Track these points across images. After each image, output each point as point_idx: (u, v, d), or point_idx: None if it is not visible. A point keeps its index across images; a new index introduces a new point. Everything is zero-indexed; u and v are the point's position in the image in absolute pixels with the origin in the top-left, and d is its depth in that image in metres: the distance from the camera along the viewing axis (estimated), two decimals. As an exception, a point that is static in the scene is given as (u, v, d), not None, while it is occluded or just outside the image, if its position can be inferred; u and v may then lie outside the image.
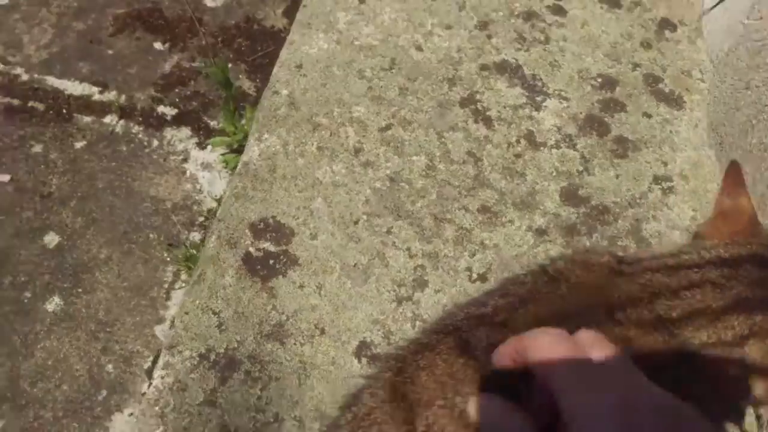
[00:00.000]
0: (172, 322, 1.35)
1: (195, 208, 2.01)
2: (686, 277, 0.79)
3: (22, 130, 2.19)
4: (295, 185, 1.53)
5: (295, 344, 1.31)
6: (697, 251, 0.82)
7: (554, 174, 1.60)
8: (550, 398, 0.50)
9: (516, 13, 1.93)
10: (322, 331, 1.33)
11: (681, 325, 0.74)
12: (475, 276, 1.43)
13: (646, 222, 1.54)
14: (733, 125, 1.76)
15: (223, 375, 1.27)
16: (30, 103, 2.23)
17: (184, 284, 1.82)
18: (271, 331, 1.32)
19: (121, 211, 2.03)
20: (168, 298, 1.85)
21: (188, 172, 2.10)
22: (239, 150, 1.95)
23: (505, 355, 0.56)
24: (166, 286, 1.88)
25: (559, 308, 0.59)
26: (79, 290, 1.89)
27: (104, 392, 1.73)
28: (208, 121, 2.23)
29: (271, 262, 1.41)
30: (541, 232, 1.51)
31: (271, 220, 1.47)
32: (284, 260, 1.42)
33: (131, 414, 1.70)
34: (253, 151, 1.58)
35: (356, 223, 1.49)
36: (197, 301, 1.35)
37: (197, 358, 1.28)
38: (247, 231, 1.45)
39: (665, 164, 1.63)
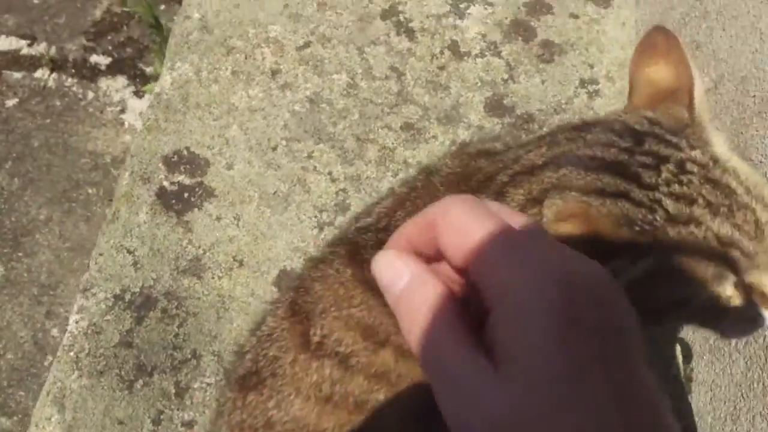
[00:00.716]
0: (87, 266, 1.32)
1: None
2: (532, 143, 0.77)
3: None
4: (210, 113, 1.47)
5: (212, 278, 1.29)
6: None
7: (479, 84, 1.55)
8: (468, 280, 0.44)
9: None
10: (241, 263, 1.30)
11: (508, 186, 0.74)
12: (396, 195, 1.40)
13: (572, 128, 1.50)
14: (668, 24, 1.70)
15: (139, 315, 1.24)
16: None
17: None
18: (188, 267, 1.29)
19: (59, 169, 1.97)
20: None
21: (126, 123, 2.04)
22: None
23: (402, 240, 0.46)
24: None
25: (434, 199, 0.56)
26: (20, 254, 1.85)
27: (50, 357, 1.71)
28: (144, 68, 2.15)
29: (186, 195, 1.37)
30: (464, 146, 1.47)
31: (185, 152, 1.42)
32: (200, 192, 1.38)
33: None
34: (165, 80, 1.51)
35: (275, 149, 1.44)
36: (111, 241, 1.31)
37: (112, 299, 1.25)
38: (160, 165, 1.40)
39: (591, 67, 1.58)
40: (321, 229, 1.35)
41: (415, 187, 0.87)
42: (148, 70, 2.11)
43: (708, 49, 1.56)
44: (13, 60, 2.12)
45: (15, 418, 1.65)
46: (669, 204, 0.69)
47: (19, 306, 1.77)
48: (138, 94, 2.06)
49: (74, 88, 2.09)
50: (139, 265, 1.29)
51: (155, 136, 1.44)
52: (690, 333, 1.31)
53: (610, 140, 0.74)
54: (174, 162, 1.40)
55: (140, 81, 2.08)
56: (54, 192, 1.91)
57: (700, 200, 0.69)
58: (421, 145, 1.46)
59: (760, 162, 1.34)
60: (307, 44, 1.59)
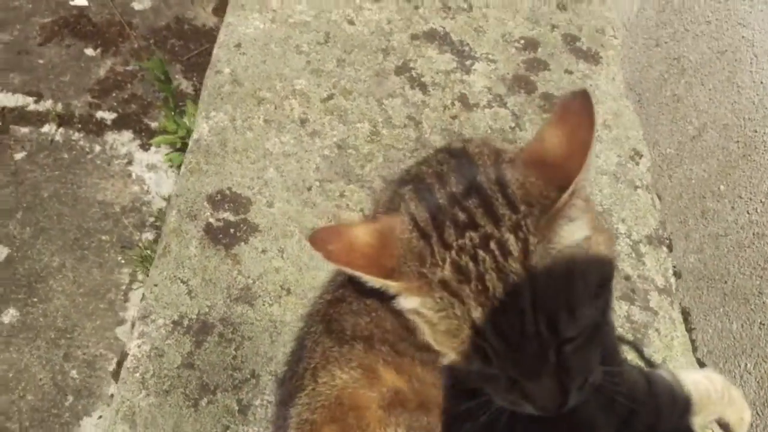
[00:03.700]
0: (143, 295, 1.39)
1: (144, 209, 2.02)
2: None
3: None
4: (247, 157, 1.59)
5: (263, 305, 1.38)
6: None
7: (489, 132, 1.71)
8: None
9: (439, -16, 2.03)
10: (288, 291, 1.40)
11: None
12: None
13: (576, 170, 1.66)
14: (648, 81, 1.90)
15: (198, 338, 1.32)
16: None
17: (141, 284, 1.84)
18: (240, 295, 1.38)
19: (69, 219, 2.02)
20: (126, 300, 1.86)
21: (134, 174, 2.10)
22: (183, 148, 1.97)
23: None
24: (123, 287, 1.88)
25: None
26: (35, 300, 1.88)
27: (70, 398, 1.74)
28: (149, 123, 2.23)
29: (232, 230, 1.47)
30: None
31: (227, 192, 1.53)
32: (244, 228, 1.48)
33: (100, 417, 1.72)
34: (202, 128, 1.63)
35: (309, 189, 1.56)
36: (165, 273, 1.40)
37: (171, 325, 1.33)
38: (205, 203, 1.50)
39: (590, 116, 1.75)
40: (358, 260, 1.46)
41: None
42: (153, 124, 2.20)
43: (689, 102, 1.75)
44: (20, 116, 2.19)
45: None
46: (447, 271, 0.72)
47: (36, 349, 1.80)
48: (144, 147, 2.15)
49: (81, 142, 2.16)
50: (193, 294, 1.38)
51: (198, 177, 1.54)
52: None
53: (447, 178, 0.78)
54: (218, 201, 1.51)
55: (145, 135, 2.17)
56: (65, 240, 1.96)
57: (474, 285, 0.71)
58: (443, 185, 1.59)
59: (750, 199, 1.51)
60: (330, 96, 1.73)
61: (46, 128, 2.20)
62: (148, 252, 1.81)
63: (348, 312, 0.93)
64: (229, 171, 1.56)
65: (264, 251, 1.45)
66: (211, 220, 1.48)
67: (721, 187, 1.60)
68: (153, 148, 2.12)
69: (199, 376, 1.28)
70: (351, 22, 1.89)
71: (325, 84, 1.75)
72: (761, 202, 1.48)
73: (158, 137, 2.02)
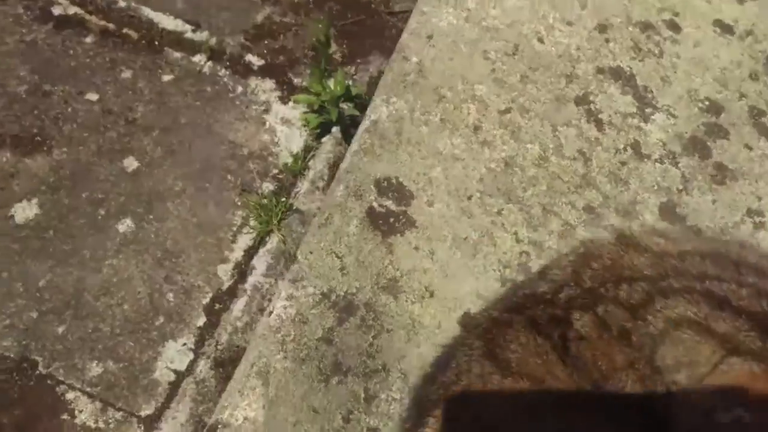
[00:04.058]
0: (294, 256, 1.44)
1: (270, 159, 2.06)
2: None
3: (114, 53, 2.22)
4: (418, 151, 1.61)
5: (406, 301, 1.41)
6: None
7: (655, 188, 1.69)
8: None
9: (634, 21, 2.00)
10: (432, 294, 1.43)
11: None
12: (574, 270, 1.53)
13: (734, 249, 1.63)
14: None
15: (341, 316, 1.37)
16: (124, 30, 2.26)
17: (251, 230, 1.89)
18: (387, 285, 1.42)
19: (199, 149, 2.08)
20: (234, 241, 1.92)
21: (268, 123, 2.15)
22: (320, 111, 2.00)
23: None
24: (234, 229, 1.94)
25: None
26: (151, 217, 1.95)
27: (162, 318, 1.81)
28: (293, 78, 2.26)
29: (392, 220, 1.50)
30: (637, 240, 1.60)
31: (394, 180, 1.56)
32: (403, 220, 1.51)
33: (184, 344, 1.78)
34: (381, 111, 1.65)
35: (470, 198, 1.57)
36: (322, 243, 1.44)
37: (319, 296, 1.38)
38: (372, 186, 1.54)
39: (759, 199, 1.72)
40: (503, 284, 1.47)
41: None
42: (296, 80, 2.24)
43: None
44: (176, 41, 2.27)
45: (121, 364, 1.75)
46: None
47: (142, 263, 1.88)
48: (282, 99, 2.19)
49: (226, 80, 2.22)
50: (345, 271, 1.42)
51: (370, 159, 1.57)
52: None
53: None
54: (384, 187, 1.54)
55: (287, 88, 2.21)
56: (191, 168, 2.03)
57: None
58: (599, 231, 1.59)
59: None
60: (507, 110, 1.73)
61: (196, 58, 2.26)
62: (265, 201, 1.86)
63: (515, 341, 0.95)
64: (399, 160, 1.59)
65: (417, 248, 1.48)
66: (374, 204, 1.52)
67: None
68: (291, 104, 2.16)
69: (334, 353, 1.33)
70: (540, 40, 1.89)
71: (504, 96, 1.75)
72: None
73: (301, 95, 2.05)
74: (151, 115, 2.11)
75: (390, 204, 1.52)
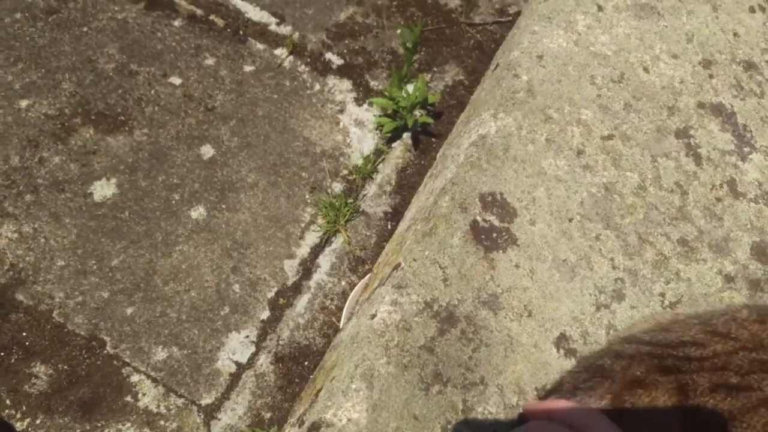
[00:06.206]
0: (399, 265, 1.48)
1: (342, 159, 2.10)
2: None
3: (199, 39, 2.28)
4: (524, 169, 1.64)
5: (505, 318, 1.45)
6: None
7: (749, 227, 1.71)
8: None
9: (738, 59, 2.00)
10: (530, 314, 1.47)
11: None
12: (666, 303, 1.56)
13: (824, 298, 1.65)
14: None
15: (442, 327, 1.41)
16: (211, 16, 2.31)
17: (318, 228, 1.93)
18: (487, 300, 1.46)
19: (274, 143, 2.13)
20: (302, 237, 1.96)
21: (342, 123, 2.19)
22: (393, 115, 2.02)
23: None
24: (302, 225, 1.98)
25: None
26: (223, 206, 2.00)
27: (227, 309, 1.86)
28: (369, 80, 2.30)
29: (494, 235, 1.54)
30: (729, 279, 1.62)
31: (498, 196, 1.59)
32: (506, 237, 1.54)
33: (247, 336, 1.83)
34: (489, 126, 1.69)
35: (570, 220, 1.60)
36: (427, 252, 1.48)
37: (422, 304, 1.42)
38: (477, 200, 1.57)
39: None
40: (598, 308, 1.51)
41: (756, 335, 1.01)
42: (372, 83, 2.28)
43: None
44: (260, 32, 2.31)
45: (185, 351, 1.81)
46: None
47: (211, 252, 1.93)
48: (358, 101, 2.23)
49: (305, 76, 2.27)
50: (448, 282, 1.46)
51: (476, 173, 1.61)
52: None
53: None
54: (489, 202, 1.57)
55: (363, 90, 2.25)
56: (265, 161, 2.08)
57: None
58: (692, 264, 1.61)
59: None
60: (610, 136, 1.76)
61: (278, 51, 2.30)
62: (334, 201, 1.89)
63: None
64: (504, 177, 1.62)
65: (517, 266, 1.52)
66: (478, 218, 1.55)
67: None
68: (365, 106, 2.19)
69: (435, 362, 1.37)
70: (646, 70, 1.90)
71: (608, 122, 1.78)
72: None
73: (377, 98, 2.08)
74: (230, 104, 2.16)
75: (493, 219, 1.56)
